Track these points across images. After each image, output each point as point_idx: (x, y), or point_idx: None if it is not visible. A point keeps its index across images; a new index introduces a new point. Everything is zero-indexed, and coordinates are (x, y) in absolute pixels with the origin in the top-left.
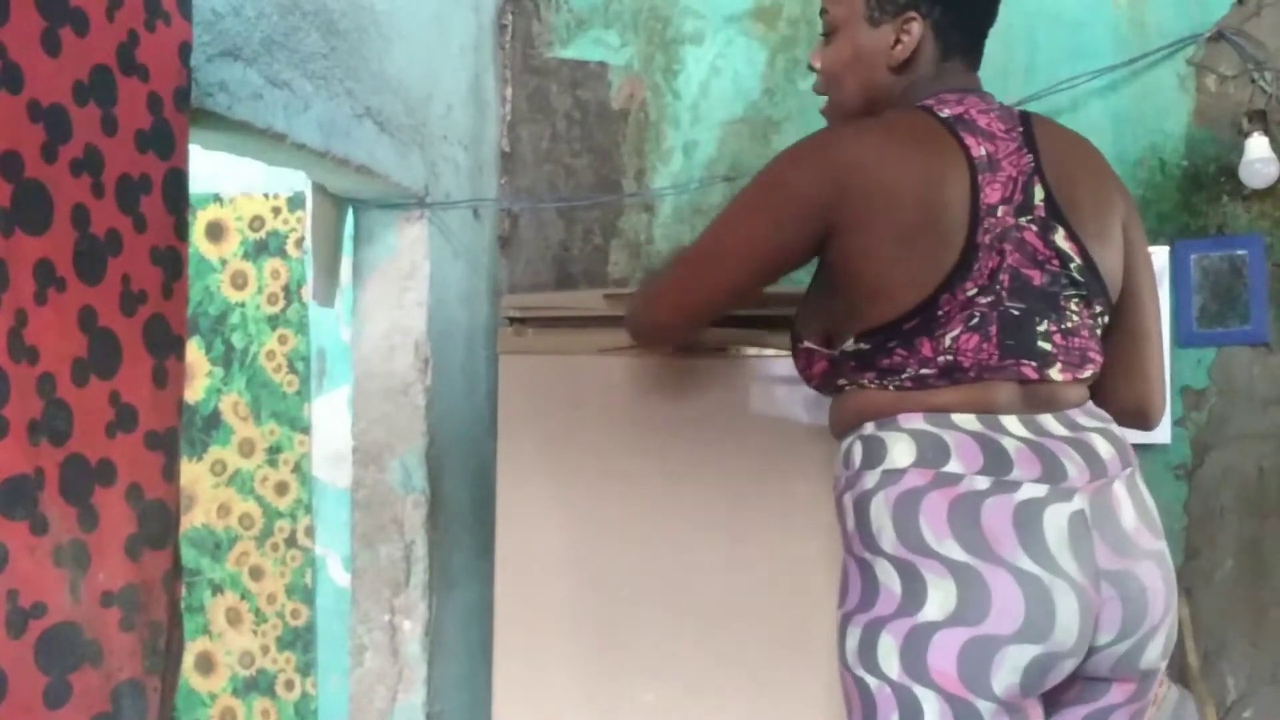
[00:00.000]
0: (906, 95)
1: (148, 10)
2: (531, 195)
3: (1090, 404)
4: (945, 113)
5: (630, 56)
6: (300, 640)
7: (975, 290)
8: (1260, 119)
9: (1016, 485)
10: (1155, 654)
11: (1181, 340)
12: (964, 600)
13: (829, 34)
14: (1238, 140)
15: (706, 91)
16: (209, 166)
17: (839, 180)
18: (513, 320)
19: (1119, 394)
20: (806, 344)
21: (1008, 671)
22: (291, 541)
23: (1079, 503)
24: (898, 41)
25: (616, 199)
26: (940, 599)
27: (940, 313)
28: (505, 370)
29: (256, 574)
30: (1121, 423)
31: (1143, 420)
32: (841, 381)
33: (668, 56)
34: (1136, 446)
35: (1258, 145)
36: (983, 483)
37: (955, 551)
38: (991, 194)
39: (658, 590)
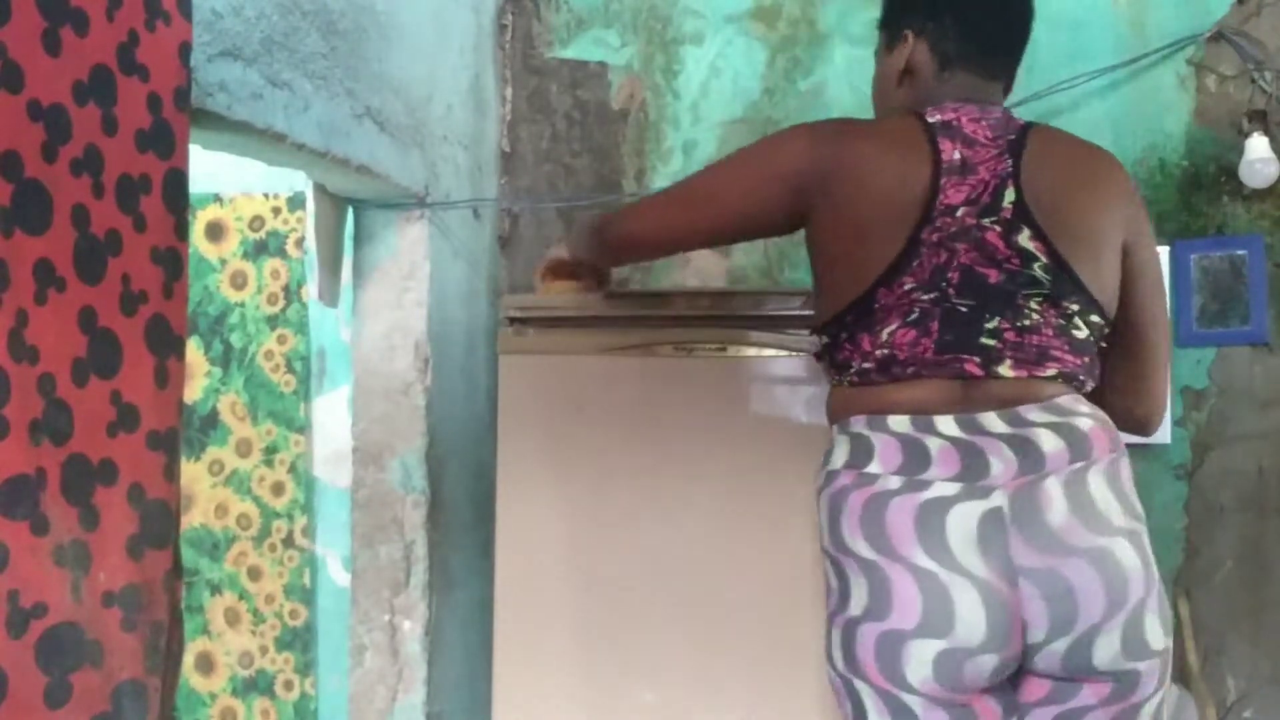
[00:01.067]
0: (913, 106)
1: (148, 10)
2: (531, 195)
3: (1061, 400)
4: (935, 118)
5: (630, 56)
6: (299, 640)
7: (914, 285)
8: (1260, 119)
9: (927, 484)
10: (1110, 653)
11: (1181, 340)
12: (873, 596)
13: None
14: (1238, 140)
15: (706, 91)
16: (209, 166)
17: (819, 161)
18: (513, 320)
19: (1120, 402)
20: (809, 330)
21: (916, 664)
22: (289, 541)
23: (996, 500)
24: (897, 59)
25: (616, 199)
26: (858, 595)
27: (877, 306)
28: (505, 370)
29: (254, 574)
30: (1124, 429)
31: (1141, 428)
32: (829, 373)
33: (668, 56)
34: (1136, 447)
35: (1258, 145)
36: (895, 482)
37: (864, 549)
38: (954, 195)
39: (657, 590)
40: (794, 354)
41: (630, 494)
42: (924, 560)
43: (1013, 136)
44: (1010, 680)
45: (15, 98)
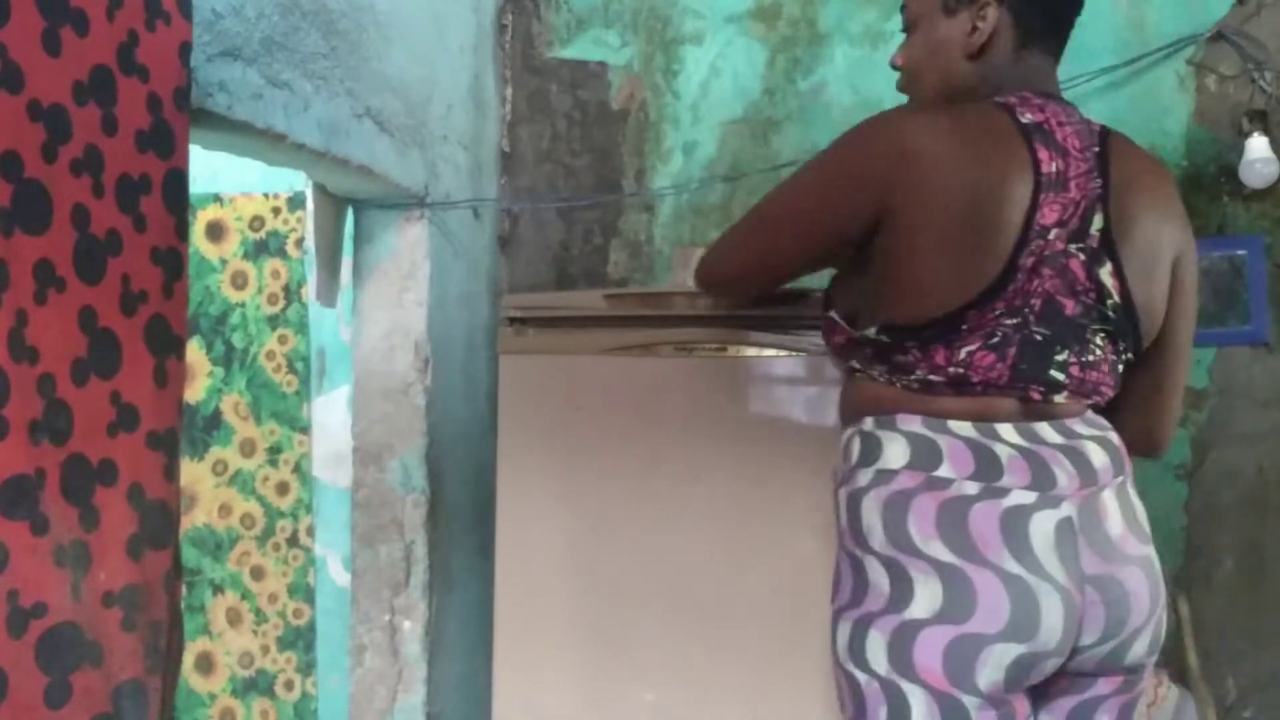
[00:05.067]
0: (984, 86)
1: (148, 10)
2: (531, 195)
3: (1090, 413)
4: (1026, 118)
5: (630, 56)
6: (301, 640)
7: (1003, 310)
8: (1260, 119)
9: (1005, 491)
10: (1140, 651)
11: None
12: (950, 599)
13: (908, 29)
14: (1238, 140)
15: (706, 91)
16: (209, 166)
17: (896, 164)
18: (513, 320)
19: (1137, 421)
20: (833, 314)
21: (992, 669)
22: (293, 541)
23: (1066, 510)
24: (974, 28)
25: (616, 199)
26: (926, 597)
27: (964, 327)
28: (505, 370)
29: (258, 574)
30: (1133, 451)
31: (1150, 450)
32: (854, 364)
33: (668, 56)
34: None
35: (1258, 145)
36: (972, 488)
37: (942, 553)
38: (1049, 214)
39: (658, 590)
40: (794, 354)
41: (630, 494)
42: (1013, 566)
43: (1098, 148)
44: None
45: (15, 98)
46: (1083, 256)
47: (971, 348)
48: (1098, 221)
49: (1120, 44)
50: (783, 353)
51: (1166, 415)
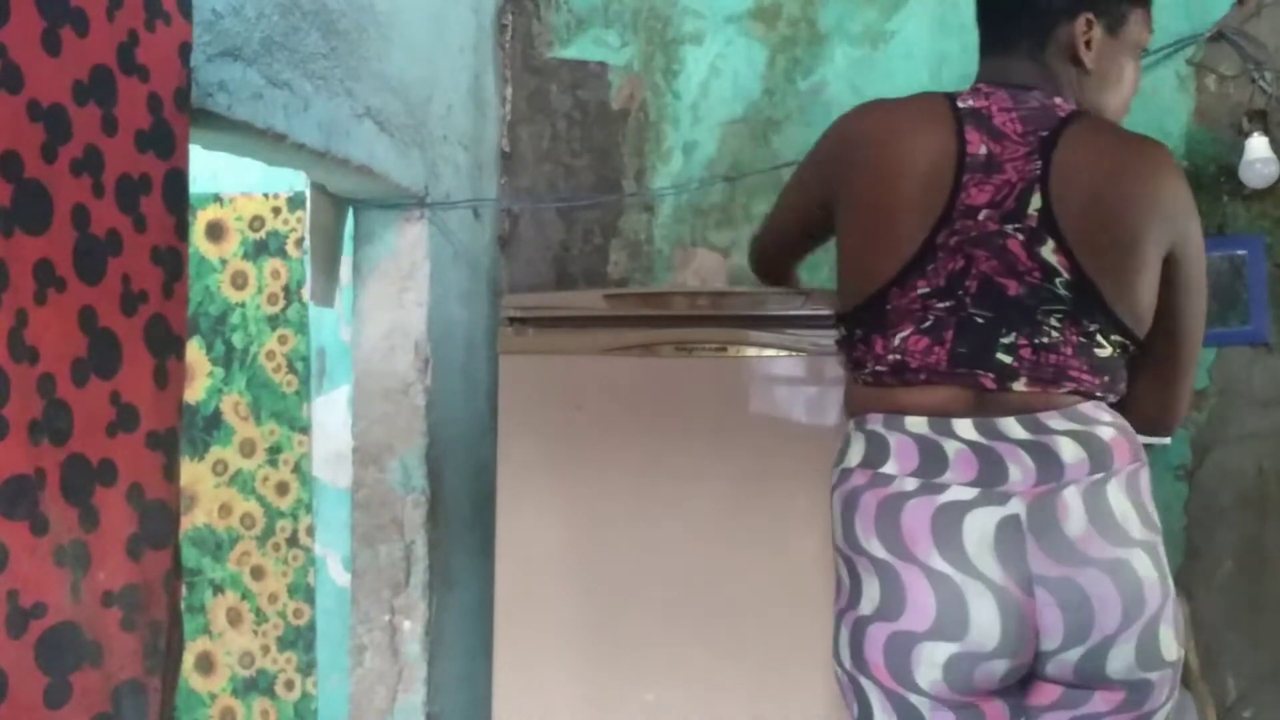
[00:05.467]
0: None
1: (148, 10)
2: (531, 195)
3: (1083, 407)
4: (966, 103)
5: (630, 56)
6: (302, 640)
7: (928, 290)
8: (1260, 119)
9: (943, 488)
10: (1126, 662)
11: None
12: (884, 597)
13: None
14: (1238, 140)
15: (706, 91)
16: (209, 166)
17: (840, 147)
18: (513, 320)
19: (1142, 407)
20: (831, 312)
21: (927, 667)
22: (293, 541)
23: (1014, 507)
24: None
25: (616, 199)
26: (870, 595)
27: (889, 307)
28: (505, 370)
29: (258, 574)
30: (1142, 430)
31: (1160, 431)
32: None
33: (668, 56)
34: None
35: (1258, 145)
36: (911, 484)
37: (878, 550)
38: (978, 196)
39: (658, 590)
40: (794, 354)
41: (630, 494)
42: (939, 564)
43: (1046, 133)
44: (1019, 683)
45: (15, 98)
46: (1021, 237)
47: (904, 333)
48: (1035, 202)
49: None
50: (783, 353)
51: (1178, 400)
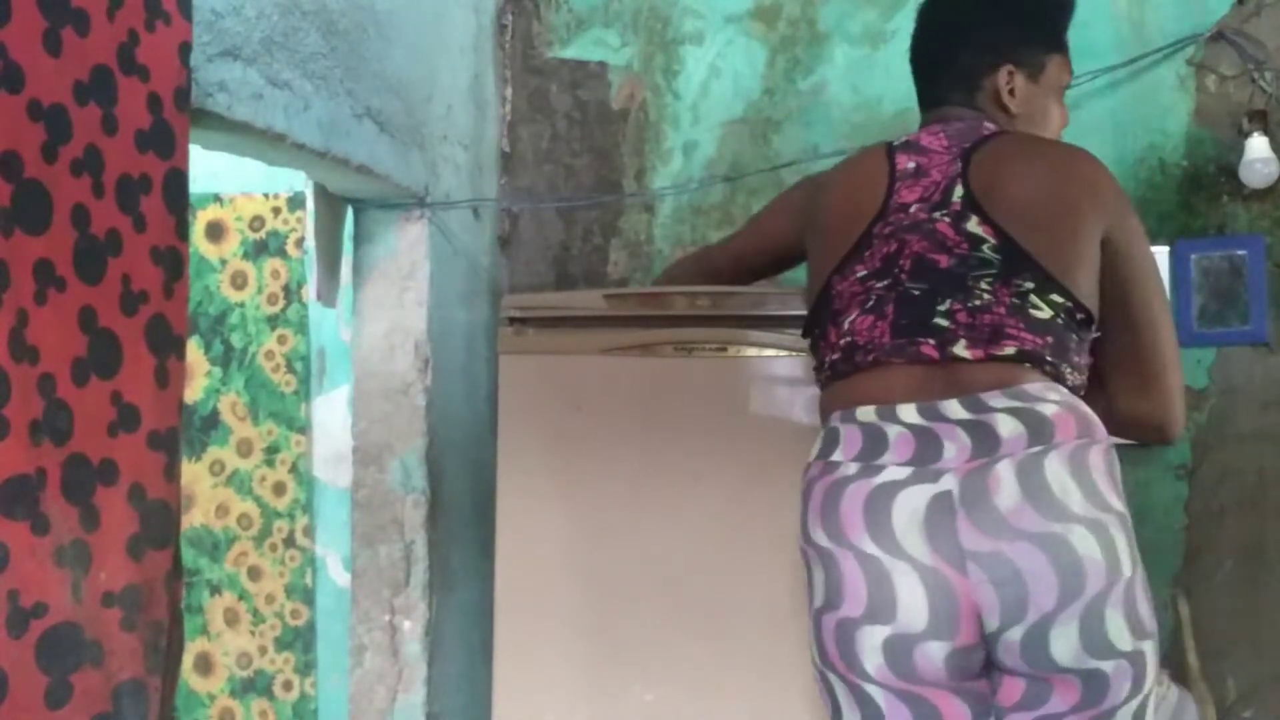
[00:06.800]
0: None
1: (148, 10)
2: (531, 195)
3: (1029, 386)
4: (899, 140)
5: (630, 56)
6: (300, 640)
7: (867, 273)
8: (1260, 119)
9: (880, 469)
10: (1068, 647)
11: (1182, 340)
12: (828, 585)
13: None
14: (1238, 140)
15: (706, 91)
16: (209, 166)
17: (810, 196)
18: (513, 320)
19: (1131, 407)
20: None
21: (870, 652)
22: (290, 541)
23: (946, 483)
24: None
25: (616, 199)
26: (818, 586)
27: (834, 293)
28: (505, 370)
29: (255, 574)
30: (1143, 437)
31: (1160, 433)
32: None
33: (668, 56)
34: (1136, 447)
35: (1258, 145)
36: (852, 469)
37: (822, 538)
38: (908, 195)
39: (658, 590)
40: (794, 354)
41: (630, 494)
42: (869, 546)
43: (968, 144)
44: (987, 679)
45: (15, 98)
46: (948, 219)
47: (851, 316)
48: (959, 191)
49: (1120, 44)
50: (783, 353)
51: (1158, 394)
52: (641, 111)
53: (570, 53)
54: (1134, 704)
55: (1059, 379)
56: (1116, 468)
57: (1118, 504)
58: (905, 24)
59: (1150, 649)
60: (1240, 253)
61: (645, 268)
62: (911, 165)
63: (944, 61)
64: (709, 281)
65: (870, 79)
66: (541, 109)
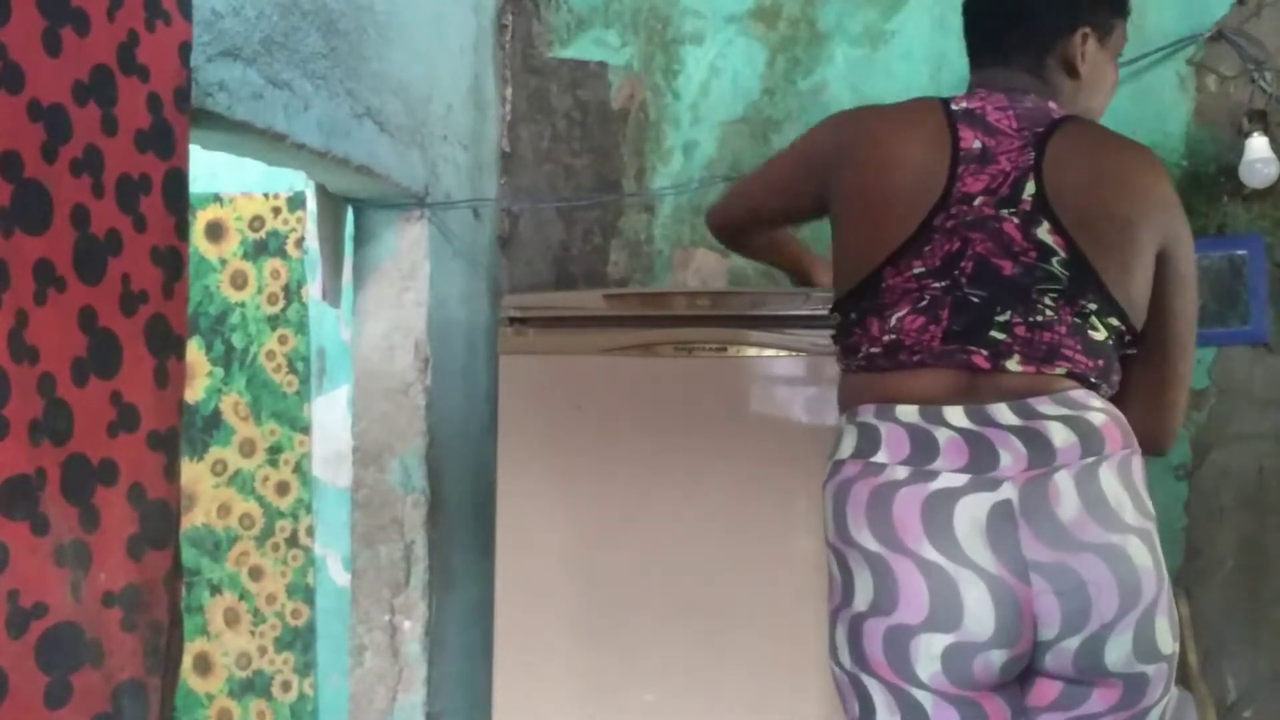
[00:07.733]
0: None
1: (148, 10)
2: (531, 195)
3: (1073, 394)
4: (960, 105)
5: (630, 56)
6: (299, 640)
7: (924, 270)
8: (1260, 119)
9: (934, 475)
10: (1121, 654)
11: None
12: (878, 590)
13: None
14: (1238, 140)
15: (706, 91)
16: (209, 166)
17: (833, 143)
18: (513, 320)
19: (1137, 418)
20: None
21: (926, 660)
22: (293, 541)
23: (1006, 492)
24: None
25: (616, 199)
26: (863, 589)
27: (884, 287)
28: (505, 370)
29: (256, 574)
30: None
31: (1157, 446)
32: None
33: (668, 56)
34: None
35: (1258, 145)
36: (902, 472)
37: (870, 541)
38: (972, 184)
39: (658, 590)
40: (794, 354)
41: (630, 494)
42: (930, 553)
43: (1041, 129)
44: (1019, 682)
45: (15, 98)
46: (1016, 220)
47: (900, 313)
48: (1030, 188)
49: None
50: (783, 353)
51: (1169, 412)
52: (641, 111)
53: (570, 53)
54: (1163, 704)
55: (1097, 390)
56: (1148, 475)
57: (1153, 511)
58: (905, 24)
59: (1179, 650)
60: (1240, 253)
61: (645, 268)
62: (977, 146)
63: (1015, 15)
64: (744, 236)
65: (870, 79)
66: (541, 109)
